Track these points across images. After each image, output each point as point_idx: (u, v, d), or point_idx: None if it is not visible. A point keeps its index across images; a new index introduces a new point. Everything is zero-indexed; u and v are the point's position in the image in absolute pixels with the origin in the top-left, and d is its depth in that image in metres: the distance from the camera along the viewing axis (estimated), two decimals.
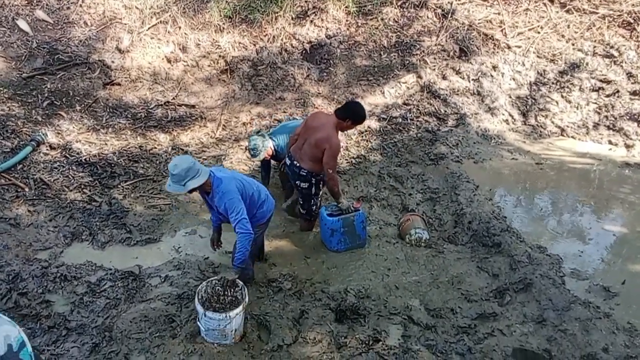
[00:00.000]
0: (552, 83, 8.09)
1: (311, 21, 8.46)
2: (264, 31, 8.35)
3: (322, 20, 8.49)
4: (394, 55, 8.35)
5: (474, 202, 5.88)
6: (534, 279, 4.60)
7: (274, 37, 8.30)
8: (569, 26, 8.53)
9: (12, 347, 1.14)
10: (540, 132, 7.78)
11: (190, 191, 3.81)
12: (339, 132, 4.98)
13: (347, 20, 8.58)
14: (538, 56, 8.29)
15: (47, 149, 6.12)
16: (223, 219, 4.10)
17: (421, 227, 5.48)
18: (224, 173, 3.99)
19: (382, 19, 8.55)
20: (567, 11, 8.68)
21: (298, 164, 4.99)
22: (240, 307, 3.79)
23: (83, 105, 7.05)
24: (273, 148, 5.49)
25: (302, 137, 5.01)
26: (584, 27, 8.46)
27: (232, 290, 4.05)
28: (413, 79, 8.12)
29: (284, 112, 7.59)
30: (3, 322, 1.18)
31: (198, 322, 3.84)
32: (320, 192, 5.22)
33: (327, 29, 8.47)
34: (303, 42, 8.35)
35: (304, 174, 5.00)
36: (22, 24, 7.67)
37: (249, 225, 3.80)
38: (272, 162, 5.89)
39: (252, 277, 4.51)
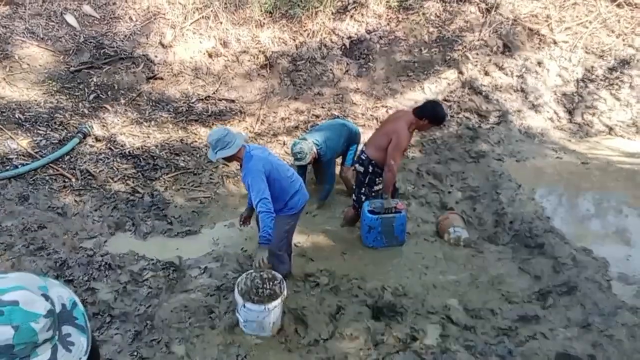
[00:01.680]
0: (601, 80, 7.82)
1: (351, 16, 8.42)
2: (304, 26, 8.36)
3: (362, 15, 8.44)
4: (435, 51, 8.22)
5: (516, 201, 5.74)
6: (579, 282, 4.46)
7: (313, 32, 8.30)
8: (619, 21, 8.22)
9: (65, 306, 1.22)
10: (587, 130, 7.53)
11: (229, 159, 3.96)
12: (415, 131, 5.00)
13: (387, 15, 8.50)
14: (586, 52, 8.03)
15: (93, 141, 6.30)
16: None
17: (460, 226, 5.38)
18: (260, 152, 3.99)
19: (423, 14, 8.43)
20: (618, 5, 8.37)
21: (363, 149, 5.12)
22: (279, 300, 3.81)
23: (127, 99, 7.22)
24: (317, 151, 5.47)
25: (379, 128, 5.23)
26: (635, 22, 8.14)
27: (271, 283, 4.08)
28: (454, 75, 7.98)
29: (322, 107, 7.58)
30: (54, 285, 1.28)
31: (237, 314, 3.88)
32: (374, 188, 5.15)
33: (367, 23, 8.41)
34: (342, 37, 8.32)
35: (364, 157, 5.06)
36: (70, 19, 7.92)
37: (270, 204, 3.78)
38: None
39: (289, 271, 4.53)
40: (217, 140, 3.80)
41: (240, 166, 4.04)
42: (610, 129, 7.54)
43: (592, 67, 7.89)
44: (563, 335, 4.04)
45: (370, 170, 5.04)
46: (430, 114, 4.77)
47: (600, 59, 7.94)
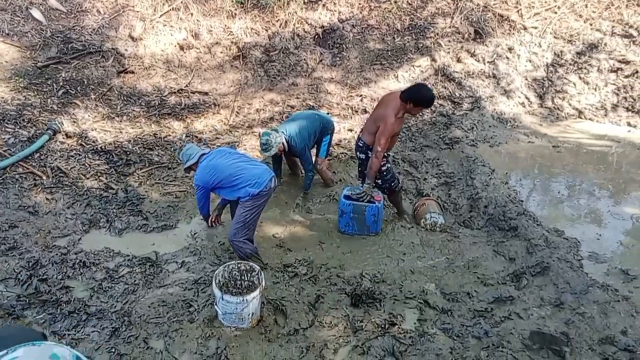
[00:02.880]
0: (570, 64, 7.95)
1: (323, 5, 8.39)
2: (276, 16, 8.30)
3: (334, 4, 8.42)
4: (408, 39, 8.25)
5: (490, 186, 5.83)
6: (551, 263, 4.55)
7: (286, 22, 8.25)
8: (586, 6, 8.36)
9: None
10: (557, 114, 7.67)
11: (195, 168, 4.60)
12: (405, 115, 4.96)
13: (359, 4, 8.49)
14: (555, 37, 8.15)
15: (63, 138, 6.18)
16: (226, 198, 4.70)
17: (436, 212, 5.45)
18: (206, 162, 4.47)
19: (395, 2, 8.45)
20: None
21: (359, 136, 5.18)
22: (257, 291, 3.81)
23: (98, 94, 7.09)
24: (285, 143, 5.43)
25: (371, 113, 5.27)
26: (602, 6, 8.28)
27: (249, 274, 4.08)
28: (427, 62, 8.03)
29: (297, 97, 7.56)
30: (53, 347, 1.29)
31: (215, 306, 3.87)
32: (382, 169, 5.14)
33: (339, 12, 8.39)
34: (315, 26, 8.29)
35: (361, 144, 5.13)
36: (36, 13, 7.71)
37: (200, 209, 4.78)
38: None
39: (254, 254, 4.61)
40: (182, 155, 4.64)
41: None
42: (580, 112, 7.69)
43: (561, 51, 8.02)
44: (537, 315, 4.13)
45: (370, 155, 5.07)
46: (415, 97, 4.75)
47: (569, 44, 8.08)
